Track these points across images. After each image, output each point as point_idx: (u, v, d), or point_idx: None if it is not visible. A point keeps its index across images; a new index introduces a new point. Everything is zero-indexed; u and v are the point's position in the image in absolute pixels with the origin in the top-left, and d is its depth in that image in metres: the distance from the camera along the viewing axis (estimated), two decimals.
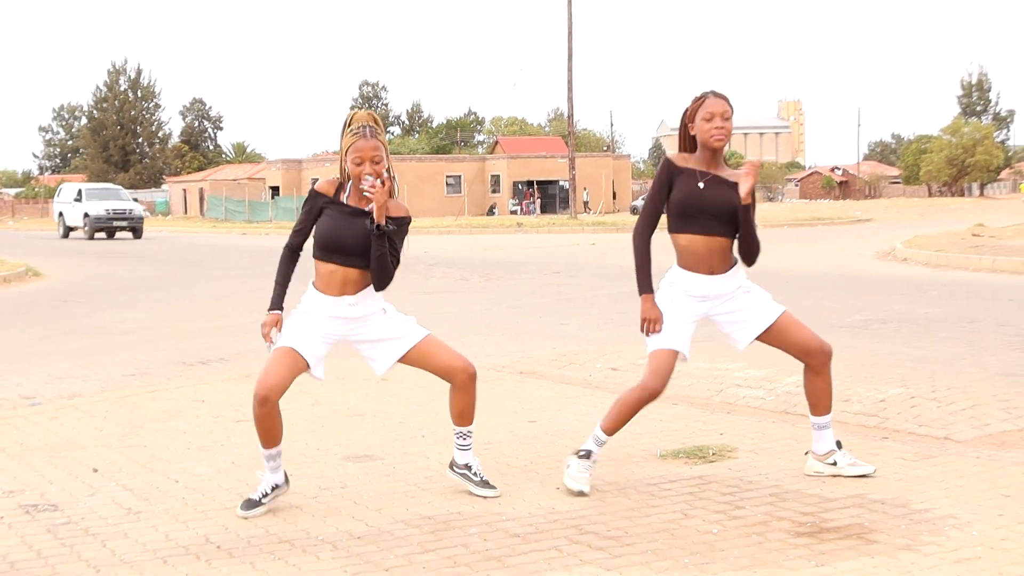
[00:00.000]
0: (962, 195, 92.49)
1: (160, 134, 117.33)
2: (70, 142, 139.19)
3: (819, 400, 5.80)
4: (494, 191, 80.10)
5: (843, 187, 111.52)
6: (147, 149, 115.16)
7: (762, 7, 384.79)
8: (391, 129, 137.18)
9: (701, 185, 5.54)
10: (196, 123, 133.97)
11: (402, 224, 5.43)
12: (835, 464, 5.81)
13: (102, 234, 46.96)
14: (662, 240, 5.72)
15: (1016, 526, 4.84)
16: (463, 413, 5.62)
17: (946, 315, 12.63)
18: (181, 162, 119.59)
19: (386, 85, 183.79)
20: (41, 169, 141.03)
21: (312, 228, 5.46)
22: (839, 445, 5.87)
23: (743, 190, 5.51)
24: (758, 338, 5.68)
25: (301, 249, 5.60)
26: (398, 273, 5.59)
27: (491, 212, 76.52)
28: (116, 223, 46.54)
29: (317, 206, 5.42)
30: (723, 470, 5.99)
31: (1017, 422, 6.99)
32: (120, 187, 54.08)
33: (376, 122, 5.38)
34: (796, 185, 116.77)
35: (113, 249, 37.29)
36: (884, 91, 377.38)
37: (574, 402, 8.02)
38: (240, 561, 4.66)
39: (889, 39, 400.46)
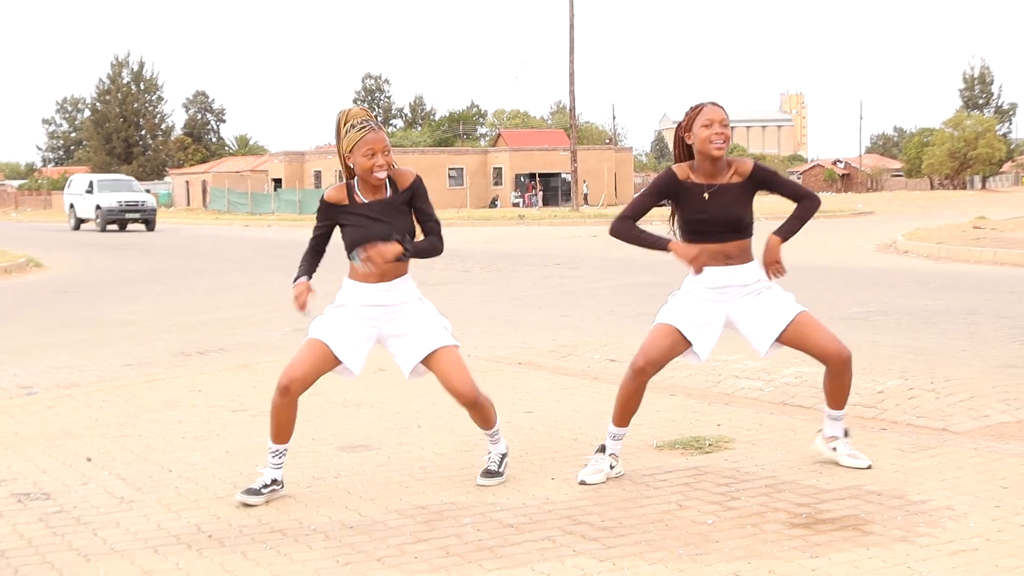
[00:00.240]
0: (964, 188, 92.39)
1: (163, 126, 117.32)
2: (73, 134, 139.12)
3: (834, 396, 5.76)
4: (496, 184, 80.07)
5: (845, 180, 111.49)
6: (150, 141, 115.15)
7: (763, 0, 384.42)
8: (393, 122, 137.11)
9: (706, 196, 5.50)
10: (199, 115, 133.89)
11: (416, 198, 5.46)
12: (835, 450, 5.79)
13: (114, 226, 46.31)
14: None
15: (1013, 517, 4.81)
16: (479, 421, 5.67)
17: (946, 307, 12.60)
18: (184, 154, 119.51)
19: (389, 78, 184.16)
20: (44, 161, 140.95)
21: (328, 235, 5.46)
22: (845, 434, 5.84)
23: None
24: (780, 340, 5.62)
25: (324, 250, 5.59)
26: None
27: (493, 205, 76.50)
28: (128, 215, 45.79)
29: (334, 218, 5.39)
30: (719, 461, 5.96)
31: (1016, 414, 6.96)
32: (132, 178, 53.15)
33: (372, 117, 5.42)
34: (798, 178, 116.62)
35: (118, 241, 37.28)
36: (886, 84, 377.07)
37: (571, 393, 7.99)
38: (231, 550, 4.63)
39: (891, 32, 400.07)
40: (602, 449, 5.70)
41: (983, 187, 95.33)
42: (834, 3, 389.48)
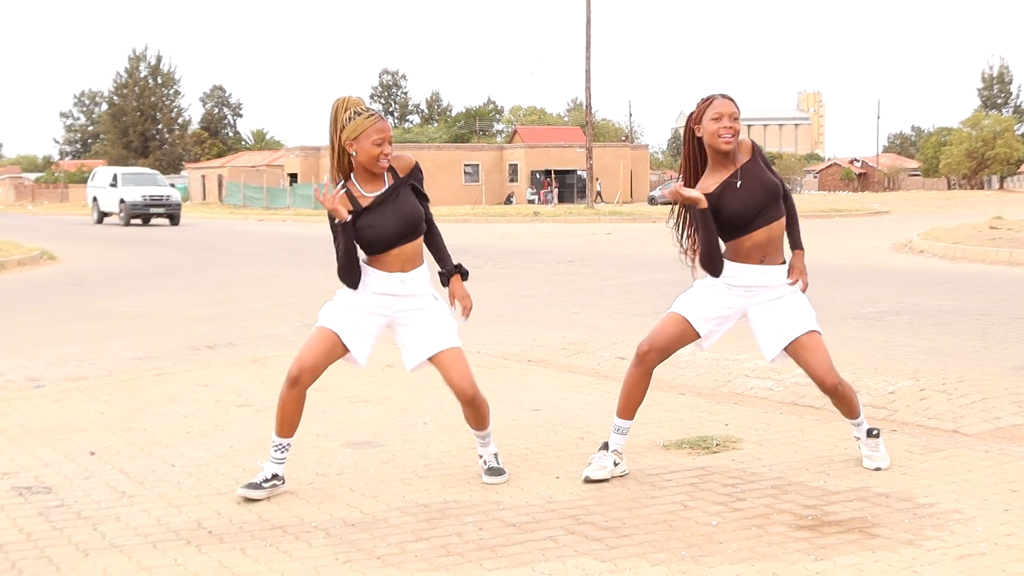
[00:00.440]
0: (981, 188, 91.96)
1: (180, 120, 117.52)
2: (90, 128, 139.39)
3: (841, 411, 5.74)
4: (512, 180, 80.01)
5: (862, 179, 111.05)
6: (167, 135, 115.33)
7: None
8: (410, 118, 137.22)
9: (739, 184, 5.43)
10: (216, 110, 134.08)
11: (418, 185, 5.46)
12: (858, 447, 5.76)
13: (137, 220, 45.43)
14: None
15: (1021, 521, 4.75)
16: (470, 422, 5.63)
17: (960, 307, 12.51)
18: (200, 148, 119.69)
19: (406, 73, 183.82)
20: (61, 154, 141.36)
21: (352, 241, 5.32)
22: (868, 434, 5.76)
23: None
24: (786, 350, 5.57)
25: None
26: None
27: (509, 201, 76.44)
28: (153, 210, 44.88)
29: (350, 227, 5.29)
30: (726, 461, 5.91)
31: None
32: (157, 172, 52.32)
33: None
34: (815, 177, 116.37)
35: (133, 235, 37.35)
36: (904, 83, 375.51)
37: (580, 391, 7.94)
38: (231, 547, 4.60)
39: (910, 31, 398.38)
40: (605, 447, 5.66)
41: (1001, 187, 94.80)
42: (853, 1, 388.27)
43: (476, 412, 5.55)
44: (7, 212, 72.30)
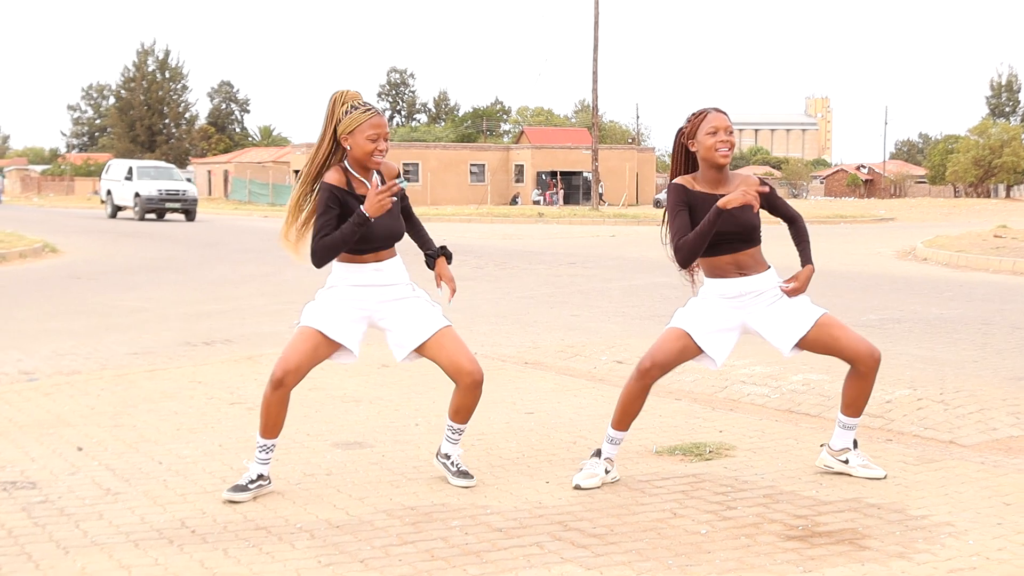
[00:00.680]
0: (988, 196, 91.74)
1: (187, 115, 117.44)
2: (98, 121, 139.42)
3: (855, 402, 5.62)
4: (518, 181, 79.92)
5: (868, 186, 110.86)
6: (173, 130, 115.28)
7: (791, 2, 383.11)
8: (417, 117, 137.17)
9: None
10: (223, 105, 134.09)
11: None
12: (847, 463, 5.67)
13: (152, 215, 44.18)
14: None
15: (1014, 536, 4.69)
16: (460, 411, 5.53)
17: (960, 316, 12.44)
18: (207, 144, 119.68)
19: (414, 72, 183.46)
20: (68, 147, 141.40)
21: (342, 221, 5.23)
22: (855, 444, 5.72)
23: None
24: (802, 345, 5.50)
25: None
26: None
27: (514, 202, 76.36)
28: (168, 204, 43.55)
29: (342, 206, 5.21)
30: (718, 468, 5.85)
31: None
32: (173, 166, 50.73)
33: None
34: (821, 183, 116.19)
35: (138, 229, 37.29)
36: (912, 90, 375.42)
37: (574, 394, 7.88)
38: (213, 547, 4.54)
39: (918, 38, 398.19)
40: (598, 454, 5.60)
41: (1007, 196, 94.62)
42: (861, 7, 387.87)
43: (474, 399, 5.46)
44: (13, 204, 72.23)
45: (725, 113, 5.45)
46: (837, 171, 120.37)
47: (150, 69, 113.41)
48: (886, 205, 70.19)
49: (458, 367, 5.34)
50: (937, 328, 11.40)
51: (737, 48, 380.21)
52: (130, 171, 45.57)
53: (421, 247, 5.70)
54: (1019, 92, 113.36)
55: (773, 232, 5.69)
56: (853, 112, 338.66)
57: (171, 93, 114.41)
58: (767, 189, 5.37)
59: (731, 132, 5.40)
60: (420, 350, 5.35)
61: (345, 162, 5.29)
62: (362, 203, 5.20)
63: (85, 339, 10.86)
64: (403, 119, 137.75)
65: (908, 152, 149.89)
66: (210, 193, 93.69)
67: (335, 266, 5.34)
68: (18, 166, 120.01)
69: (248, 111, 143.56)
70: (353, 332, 5.32)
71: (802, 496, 5.32)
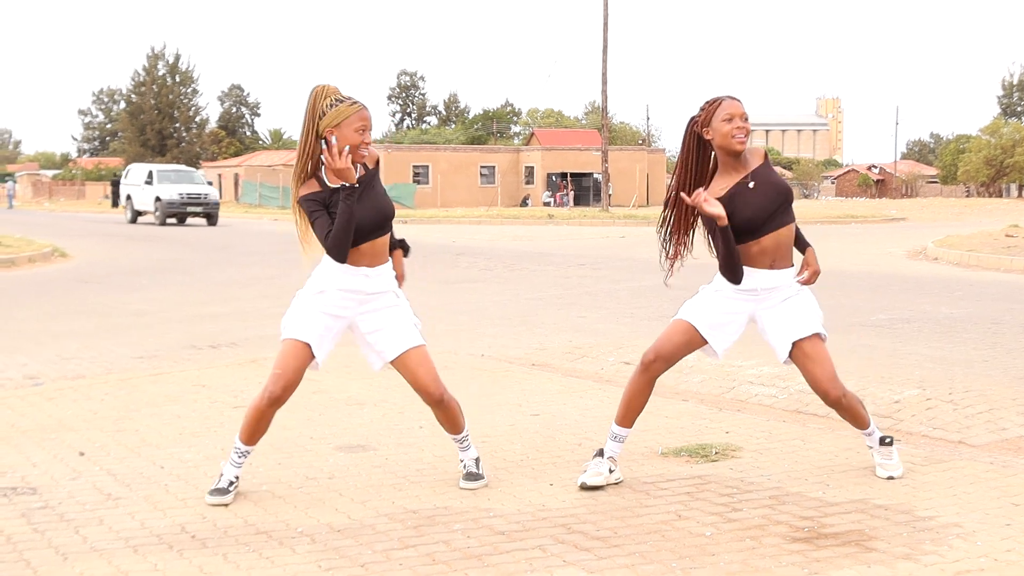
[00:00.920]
0: (1000, 196, 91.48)
1: (197, 119, 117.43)
2: (108, 125, 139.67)
3: (849, 421, 5.62)
4: (528, 182, 79.82)
5: (879, 186, 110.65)
6: (184, 134, 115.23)
7: (801, 3, 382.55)
8: (427, 119, 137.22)
9: (751, 185, 5.32)
10: (234, 109, 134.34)
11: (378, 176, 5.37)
12: (872, 455, 5.68)
13: (172, 220, 43.09)
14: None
15: (1022, 537, 4.62)
16: (445, 424, 5.55)
17: (970, 316, 12.35)
18: (218, 147, 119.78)
19: (424, 74, 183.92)
20: (79, 152, 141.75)
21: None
22: (881, 442, 5.65)
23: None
24: (791, 357, 5.45)
25: None
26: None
27: (524, 203, 76.27)
28: (190, 208, 42.45)
29: (327, 202, 5.18)
30: (724, 470, 5.80)
31: None
32: (194, 169, 49.61)
33: None
34: (832, 183, 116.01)
35: (147, 233, 37.32)
36: (923, 90, 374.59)
37: (580, 396, 7.83)
38: (213, 552, 4.50)
39: (929, 37, 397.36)
40: (600, 453, 5.54)
41: (1020, 195, 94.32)
42: (873, 8, 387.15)
43: (446, 414, 5.47)
44: (24, 209, 72.42)
45: (739, 100, 5.41)
46: (848, 171, 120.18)
47: (160, 73, 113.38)
48: (897, 205, 70.03)
49: (420, 387, 5.36)
50: (947, 328, 11.33)
51: (748, 49, 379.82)
52: (150, 175, 44.46)
53: None
54: None
55: (806, 232, 5.64)
56: (864, 112, 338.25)
57: (181, 97, 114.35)
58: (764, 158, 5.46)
59: (746, 119, 5.36)
60: (395, 363, 5.34)
61: (323, 157, 5.22)
62: (361, 196, 5.17)
63: (90, 342, 10.84)
64: (413, 122, 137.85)
65: (919, 152, 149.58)
66: (221, 197, 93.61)
67: (325, 266, 5.28)
68: (29, 171, 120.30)
69: (258, 114, 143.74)
70: (329, 346, 5.31)
71: (808, 497, 5.27)
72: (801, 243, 5.59)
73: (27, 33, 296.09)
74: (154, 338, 11.18)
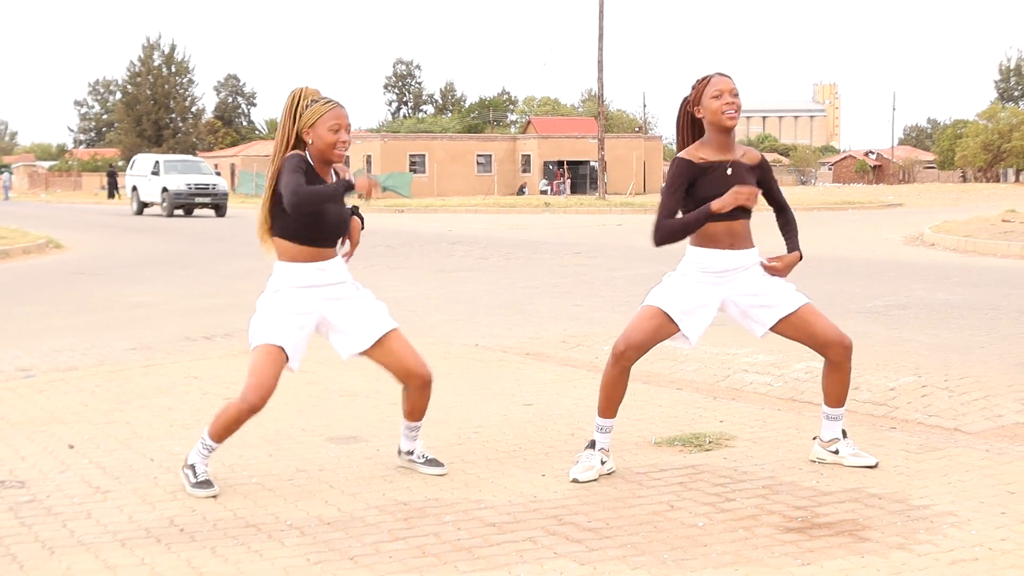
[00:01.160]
0: (997, 181, 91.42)
1: (193, 109, 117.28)
2: (104, 116, 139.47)
3: (834, 392, 5.58)
4: (525, 171, 79.73)
5: (877, 171, 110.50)
6: (180, 124, 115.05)
7: None
8: (424, 107, 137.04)
9: (729, 172, 5.32)
10: (230, 99, 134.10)
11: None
12: (837, 452, 5.59)
13: (179, 211, 42.25)
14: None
15: (1018, 525, 4.59)
16: (414, 412, 5.53)
17: (967, 301, 12.31)
18: (214, 137, 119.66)
19: (420, 63, 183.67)
20: (76, 143, 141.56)
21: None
22: (844, 434, 5.65)
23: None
24: (776, 328, 5.43)
25: None
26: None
27: (521, 192, 76.21)
28: (198, 199, 41.45)
29: (305, 172, 5.16)
30: (718, 459, 5.76)
31: None
32: (202, 159, 48.62)
33: None
34: (829, 169, 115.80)
35: (144, 224, 37.25)
36: (920, 75, 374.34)
37: (574, 386, 7.79)
38: (201, 546, 4.46)
39: (926, 23, 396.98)
40: (592, 445, 5.51)
41: (1017, 180, 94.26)
42: None
43: (427, 399, 5.47)
44: (20, 200, 72.31)
45: (729, 76, 5.37)
46: (845, 157, 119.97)
47: (156, 64, 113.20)
48: (894, 191, 69.94)
49: (408, 371, 5.34)
50: (943, 314, 11.29)
51: (744, 35, 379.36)
52: (156, 165, 43.51)
53: None
54: None
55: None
56: (861, 98, 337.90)
57: (177, 87, 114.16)
58: (759, 156, 5.46)
59: (736, 94, 5.32)
60: (367, 353, 5.30)
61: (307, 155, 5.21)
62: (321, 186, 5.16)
63: (84, 335, 10.79)
64: (410, 111, 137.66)
65: (916, 138, 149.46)
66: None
67: (277, 267, 5.25)
68: (25, 162, 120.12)
69: (255, 104, 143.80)
70: (303, 347, 5.27)
71: (802, 487, 5.23)
72: (790, 243, 5.55)
73: (23, 24, 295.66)
74: (149, 330, 11.13)
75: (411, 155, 75.32)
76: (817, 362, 8.05)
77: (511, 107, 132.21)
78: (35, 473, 5.57)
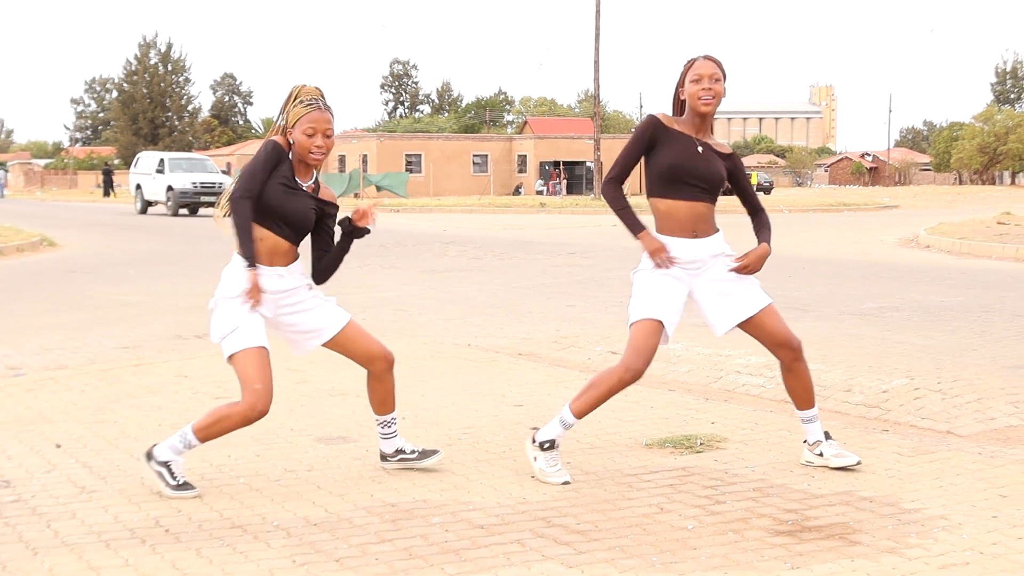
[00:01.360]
0: (993, 183, 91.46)
1: (190, 108, 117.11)
2: (101, 114, 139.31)
3: (797, 395, 5.59)
4: (521, 171, 79.71)
5: (873, 173, 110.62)
6: (176, 123, 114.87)
7: None
8: (421, 107, 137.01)
9: (700, 149, 5.31)
10: (226, 98, 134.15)
11: (327, 217, 5.37)
12: (821, 455, 5.56)
13: (184, 210, 41.31)
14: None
15: (1009, 529, 4.56)
16: (385, 401, 5.48)
17: (961, 304, 12.29)
18: (210, 136, 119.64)
19: (417, 63, 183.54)
20: (72, 141, 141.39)
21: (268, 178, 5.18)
22: (827, 436, 5.61)
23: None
24: (739, 325, 5.42)
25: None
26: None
27: (517, 192, 76.16)
28: (204, 198, 40.34)
29: (276, 162, 5.14)
30: (708, 461, 5.72)
31: None
32: (207, 157, 47.66)
33: (324, 97, 5.21)
34: (826, 171, 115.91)
35: (138, 223, 37.16)
36: (916, 77, 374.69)
37: (566, 386, 7.75)
38: (186, 547, 4.42)
39: (922, 25, 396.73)
40: (551, 446, 5.41)
41: (1012, 183, 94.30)
42: None
43: (392, 382, 5.42)
44: (16, 198, 72.16)
45: (715, 60, 5.39)
46: (841, 159, 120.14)
47: (152, 62, 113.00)
48: (890, 193, 69.98)
49: (371, 355, 5.33)
50: (936, 316, 11.26)
51: (741, 36, 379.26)
52: (161, 163, 42.53)
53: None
54: None
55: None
56: (857, 100, 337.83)
57: (173, 86, 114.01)
58: (729, 150, 5.51)
59: (717, 80, 5.32)
60: (327, 344, 5.30)
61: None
62: (292, 181, 5.17)
63: (75, 333, 10.73)
64: (406, 110, 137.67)
65: (913, 140, 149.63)
66: None
67: (235, 262, 5.21)
68: (21, 160, 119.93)
69: (251, 103, 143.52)
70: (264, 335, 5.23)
71: (793, 489, 5.20)
72: (760, 236, 5.51)
73: (19, 21, 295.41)
74: (140, 329, 11.08)
75: (407, 155, 75.26)
76: (810, 364, 8.02)
77: (507, 107, 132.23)
78: (21, 473, 5.53)
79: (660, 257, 5.31)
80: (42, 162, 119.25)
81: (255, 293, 5.06)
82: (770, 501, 5.01)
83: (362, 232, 5.34)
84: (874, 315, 11.37)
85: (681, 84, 5.42)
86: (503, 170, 79.65)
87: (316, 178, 5.30)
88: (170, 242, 25.88)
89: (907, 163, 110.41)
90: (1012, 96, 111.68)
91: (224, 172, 45.85)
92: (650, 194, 5.43)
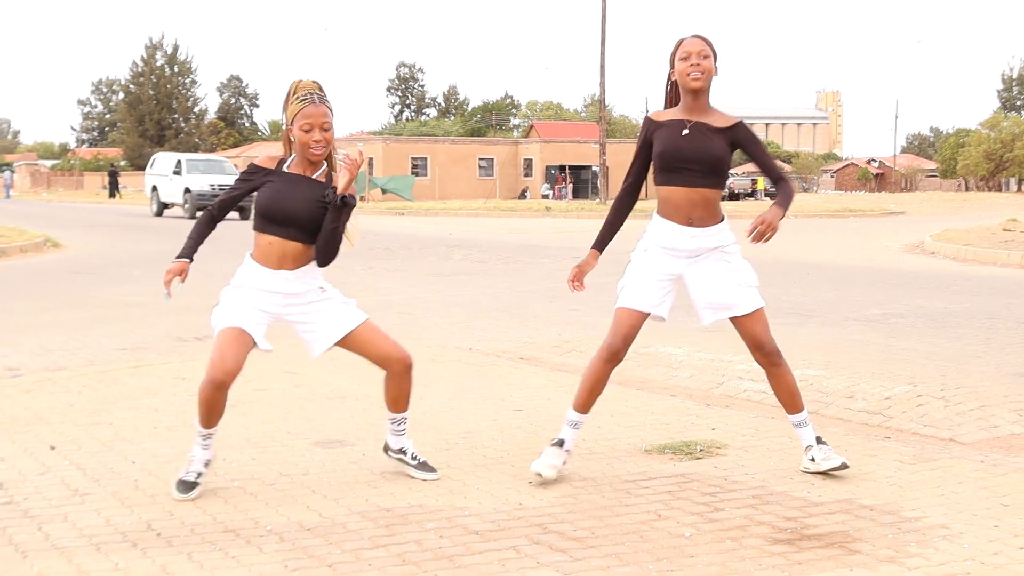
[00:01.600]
0: (999, 190, 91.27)
1: (196, 110, 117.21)
2: (107, 116, 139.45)
3: (782, 400, 5.55)
4: (526, 175, 79.60)
5: (879, 179, 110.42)
6: (183, 125, 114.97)
7: None
8: (427, 111, 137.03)
9: (685, 132, 5.29)
10: (233, 100, 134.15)
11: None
12: (812, 460, 5.51)
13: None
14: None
15: (1011, 539, 4.50)
16: (398, 400, 5.45)
17: (965, 311, 12.21)
18: (217, 138, 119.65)
19: (423, 66, 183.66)
20: (78, 142, 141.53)
21: (239, 199, 5.29)
22: (819, 440, 5.55)
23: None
24: (731, 320, 5.42)
25: (222, 218, 5.43)
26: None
27: (523, 196, 76.08)
28: None
29: (257, 181, 5.18)
30: (708, 468, 5.67)
31: None
32: (225, 159, 46.76)
33: (322, 90, 5.14)
34: (832, 176, 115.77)
35: (143, 224, 37.11)
36: (923, 84, 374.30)
37: (566, 391, 7.66)
38: (177, 551, 4.38)
39: (929, 31, 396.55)
40: (560, 443, 5.41)
41: (1019, 189, 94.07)
42: (873, 1, 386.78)
43: (409, 384, 5.40)
44: (22, 199, 72.22)
45: (702, 38, 5.37)
46: (848, 165, 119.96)
47: (159, 64, 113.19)
48: (896, 199, 69.83)
49: (387, 356, 5.30)
50: (941, 323, 11.19)
51: (748, 42, 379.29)
52: (178, 165, 41.48)
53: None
54: None
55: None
56: (864, 106, 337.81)
57: (180, 88, 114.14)
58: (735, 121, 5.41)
59: (705, 56, 5.30)
60: (342, 344, 5.26)
61: (292, 156, 5.18)
62: (290, 177, 5.15)
63: (76, 334, 10.69)
64: (412, 114, 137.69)
65: (919, 146, 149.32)
66: None
67: (247, 263, 5.23)
68: (28, 161, 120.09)
69: (257, 105, 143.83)
70: (263, 331, 5.20)
71: (793, 497, 5.14)
72: (775, 201, 5.34)
73: (27, 23, 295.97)
74: (141, 329, 11.05)
75: (413, 158, 75.19)
76: (811, 370, 7.99)
77: (514, 111, 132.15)
78: (14, 474, 5.49)
79: (571, 275, 5.81)
80: (48, 163, 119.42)
81: (169, 276, 5.37)
82: (769, 509, 4.96)
83: (348, 201, 5.12)
84: (879, 321, 11.31)
85: (672, 65, 5.40)
86: (509, 174, 79.57)
87: (327, 172, 5.21)
88: (172, 243, 25.66)
89: (913, 169, 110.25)
90: (1018, 103, 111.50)
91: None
92: (655, 182, 5.47)
